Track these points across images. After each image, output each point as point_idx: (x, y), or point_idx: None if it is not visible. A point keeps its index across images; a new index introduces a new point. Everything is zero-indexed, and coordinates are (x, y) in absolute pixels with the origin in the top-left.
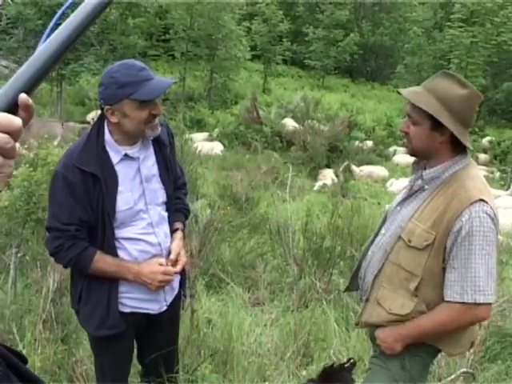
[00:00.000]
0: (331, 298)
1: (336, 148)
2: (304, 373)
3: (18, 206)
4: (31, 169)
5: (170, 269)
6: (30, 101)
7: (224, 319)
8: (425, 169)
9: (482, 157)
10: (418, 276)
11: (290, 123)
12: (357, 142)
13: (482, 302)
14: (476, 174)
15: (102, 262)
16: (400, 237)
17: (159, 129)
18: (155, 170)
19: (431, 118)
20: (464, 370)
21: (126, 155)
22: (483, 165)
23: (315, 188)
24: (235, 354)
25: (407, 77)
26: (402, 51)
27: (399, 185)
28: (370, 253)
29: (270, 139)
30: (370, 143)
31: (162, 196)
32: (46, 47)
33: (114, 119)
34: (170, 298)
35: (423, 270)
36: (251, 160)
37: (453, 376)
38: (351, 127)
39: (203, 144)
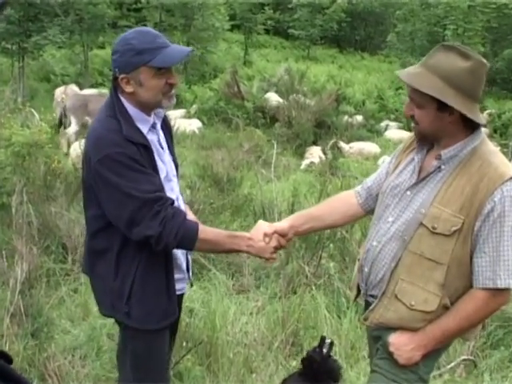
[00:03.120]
0: (321, 283)
1: (323, 124)
2: (293, 363)
3: None
4: None
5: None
6: None
7: (207, 308)
8: (432, 146)
9: (482, 130)
10: (443, 264)
11: (273, 98)
12: (346, 117)
13: (511, 286)
14: (494, 148)
15: (208, 230)
16: (422, 224)
17: (174, 100)
18: (165, 142)
19: (436, 98)
20: (465, 357)
21: (152, 126)
22: None
23: (302, 167)
24: (219, 345)
25: (399, 46)
26: (394, 18)
27: None
28: (374, 243)
29: (253, 115)
30: (359, 118)
31: (173, 168)
32: None
33: (129, 88)
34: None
35: (450, 258)
36: (232, 138)
37: (453, 364)
38: (339, 101)
39: (180, 121)
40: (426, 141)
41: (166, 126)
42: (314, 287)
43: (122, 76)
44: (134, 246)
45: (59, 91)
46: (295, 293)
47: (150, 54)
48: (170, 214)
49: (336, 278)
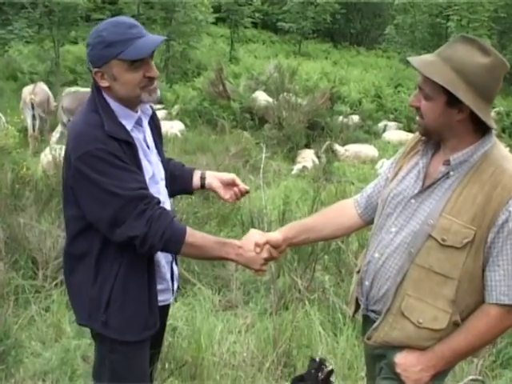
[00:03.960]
0: (315, 298)
1: (317, 125)
2: None
3: None
4: None
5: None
6: None
7: (191, 326)
8: (437, 149)
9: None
10: (454, 279)
11: (262, 97)
12: (341, 118)
13: None
14: (507, 152)
15: (197, 233)
16: (430, 235)
17: (158, 93)
18: (152, 140)
19: (447, 91)
20: (473, 377)
21: (137, 122)
22: None
23: (293, 172)
24: (205, 367)
25: (398, 39)
26: (392, 9)
27: None
28: (376, 255)
29: (240, 116)
30: (356, 118)
31: (162, 170)
32: None
33: (104, 83)
34: (175, 288)
35: (461, 272)
36: (218, 141)
37: None
38: (334, 100)
39: (161, 123)
40: (430, 138)
41: (156, 126)
42: (307, 302)
43: (95, 70)
44: (114, 249)
45: (27, 91)
46: (287, 309)
47: (121, 46)
48: (157, 214)
49: (331, 292)
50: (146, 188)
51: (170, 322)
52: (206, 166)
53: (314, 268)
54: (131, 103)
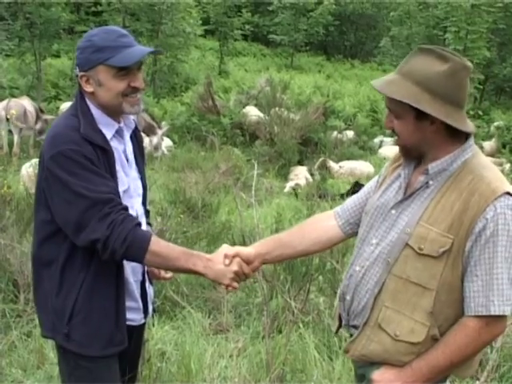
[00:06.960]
0: (309, 320)
1: (310, 141)
2: None
3: None
4: None
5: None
6: None
7: (180, 351)
8: (419, 161)
9: (487, 145)
10: (431, 290)
11: (253, 112)
12: (335, 133)
13: (506, 314)
14: (488, 161)
15: (162, 242)
16: (407, 244)
17: (141, 107)
18: (133, 156)
19: (413, 106)
20: None
21: (117, 131)
22: (489, 155)
23: (286, 189)
24: None
25: (394, 51)
26: (388, 20)
27: None
28: (357, 268)
29: (230, 132)
30: (350, 134)
31: (140, 187)
32: None
33: (88, 88)
34: (148, 309)
35: (439, 283)
36: (207, 158)
37: None
38: (327, 115)
39: (147, 140)
40: (411, 156)
41: (137, 141)
42: (301, 325)
43: (81, 74)
44: (81, 258)
45: (1, 106)
46: (280, 332)
47: (110, 52)
48: (121, 218)
49: (326, 315)
50: (115, 194)
51: (158, 346)
52: (196, 184)
53: (308, 289)
54: (113, 112)
